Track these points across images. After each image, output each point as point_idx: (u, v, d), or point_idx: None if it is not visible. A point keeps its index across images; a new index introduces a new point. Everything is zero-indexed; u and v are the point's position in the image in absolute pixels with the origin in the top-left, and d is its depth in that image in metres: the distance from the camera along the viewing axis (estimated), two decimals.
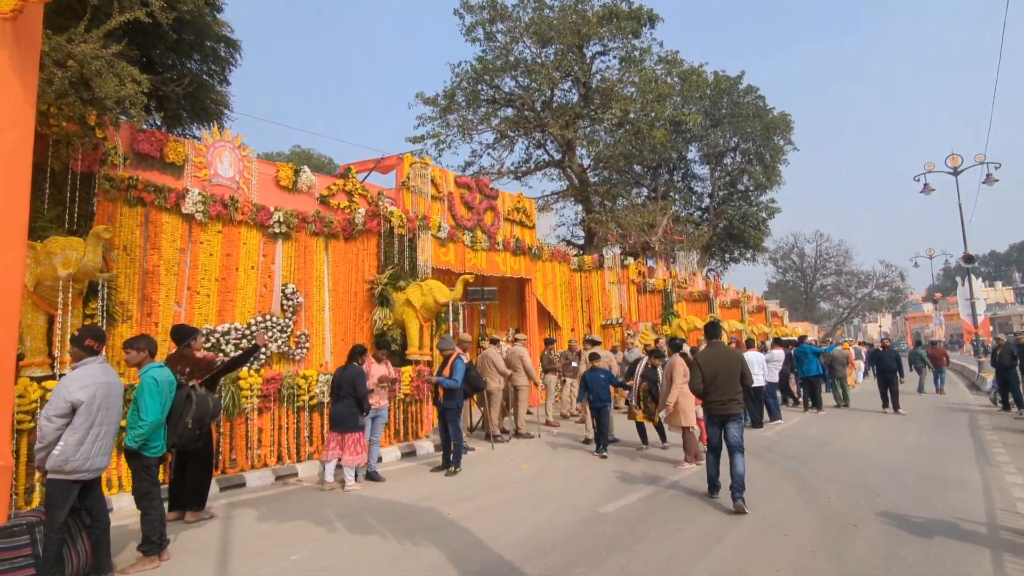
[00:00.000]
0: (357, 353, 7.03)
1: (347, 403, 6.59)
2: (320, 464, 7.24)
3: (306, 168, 9.97)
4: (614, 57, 21.92)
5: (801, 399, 14.35)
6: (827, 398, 15.03)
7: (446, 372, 7.66)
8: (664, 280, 19.50)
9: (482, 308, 20.09)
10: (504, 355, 10.13)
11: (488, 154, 23.64)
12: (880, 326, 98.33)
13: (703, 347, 6.82)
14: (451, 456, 7.71)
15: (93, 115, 6.57)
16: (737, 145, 36.68)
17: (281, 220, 9.15)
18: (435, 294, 9.43)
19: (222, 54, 12.22)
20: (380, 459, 8.09)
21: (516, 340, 10.31)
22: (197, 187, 8.45)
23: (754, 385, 11.87)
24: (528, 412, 14.15)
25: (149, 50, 9.78)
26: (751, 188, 36.07)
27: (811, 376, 13.54)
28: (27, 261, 5.07)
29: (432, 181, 14.77)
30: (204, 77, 12.23)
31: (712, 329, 6.69)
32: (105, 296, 6.98)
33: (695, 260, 20.57)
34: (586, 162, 24.36)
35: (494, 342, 10.30)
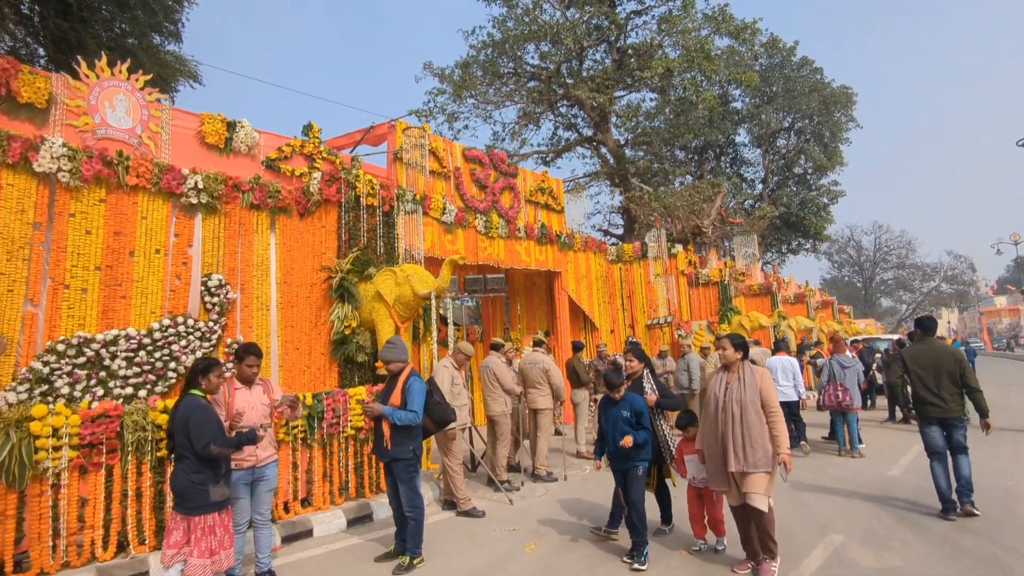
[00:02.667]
0: (198, 372, 4.09)
1: (186, 465, 3.88)
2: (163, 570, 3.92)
3: (246, 122, 7.48)
4: (652, 17, 19.05)
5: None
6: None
7: (395, 398, 4.78)
8: (720, 271, 16.44)
9: (506, 306, 17.48)
10: (520, 365, 7.43)
11: (511, 135, 20.98)
12: (948, 322, 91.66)
13: (912, 343, 6.58)
14: (407, 537, 4.88)
15: None
16: (792, 124, 33.15)
17: (199, 186, 6.65)
18: (413, 283, 6.78)
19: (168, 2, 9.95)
20: (311, 533, 5.47)
21: (535, 345, 7.56)
22: (72, 139, 6.03)
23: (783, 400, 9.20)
24: (557, 433, 11.34)
25: None
26: (810, 170, 32.47)
27: None
28: None
29: (433, 153, 12.18)
30: (155, 37, 10.01)
31: (927, 323, 6.23)
32: None
33: (755, 246, 17.48)
34: (622, 140, 21.39)
35: (495, 348, 7.60)
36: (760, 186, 33.59)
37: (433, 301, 7.58)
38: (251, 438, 4.05)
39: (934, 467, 5.76)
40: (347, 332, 6.88)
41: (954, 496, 5.64)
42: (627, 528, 4.94)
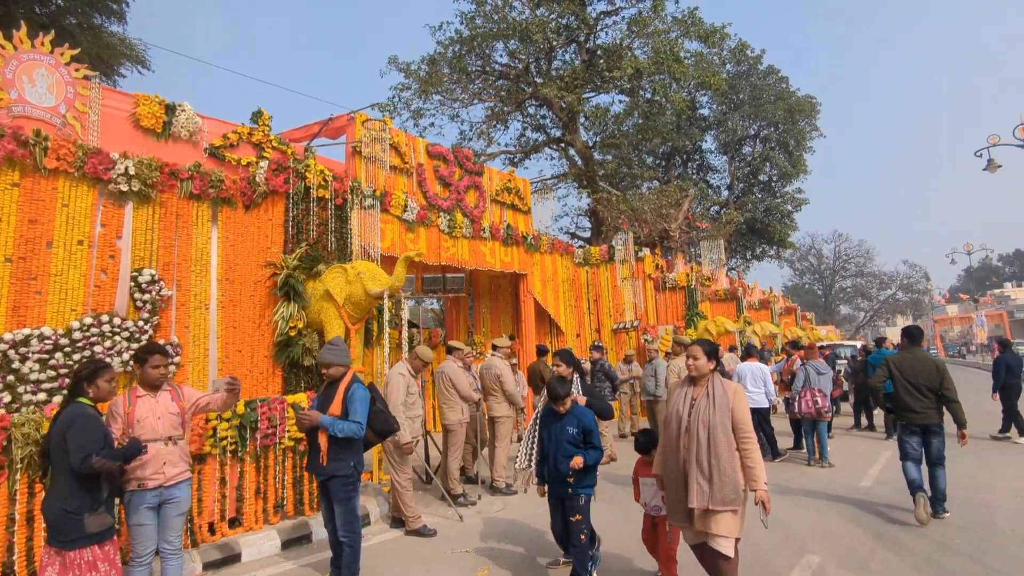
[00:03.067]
0: (83, 378, 3.51)
1: (59, 489, 3.25)
2: None
3: (187, 105, 6.91)
4: (622, 18, 18.88)
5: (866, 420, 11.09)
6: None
7: (335, 407, 4.21)
8: (687, 275, 16.31)
9: (470, 309, 17.04)
10: (479, 370, 7.01)
11: (478, 134, 20.52)
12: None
13: (898, 352, 6.61)
14: (342, 566, 4.30)
15: None
16: (758, 132, 33.57)
17: (131, 172, 6.07)
18: (365, 281, 6.30)
19: None
20: (239, 557, 4.95)
21: (494, 350, 7.12)
22: None
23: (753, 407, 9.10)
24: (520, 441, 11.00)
25: None
26: (775, 178, 32.87)
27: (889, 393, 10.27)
28: None
29: (395, 148, 11.71)
30: (97, 17, 9.31)
31: (914, 332, 6.44)
32: None
33: (721, 251, 17.41)
34: (591, 142, 21.14)
35: (451, 351, 7.16)
36: (726, 192, 33.89)
37: (386, 301, 7.10)
38: (132, 450, 3.48)
39: (907, 465, 5.92)
40: (293, 334, 6.36)
41: (927, 498, 5.79)
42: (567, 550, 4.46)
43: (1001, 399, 10.13)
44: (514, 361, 9.71)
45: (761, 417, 8.80)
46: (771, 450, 8.91)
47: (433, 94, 18.54)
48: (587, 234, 22.22)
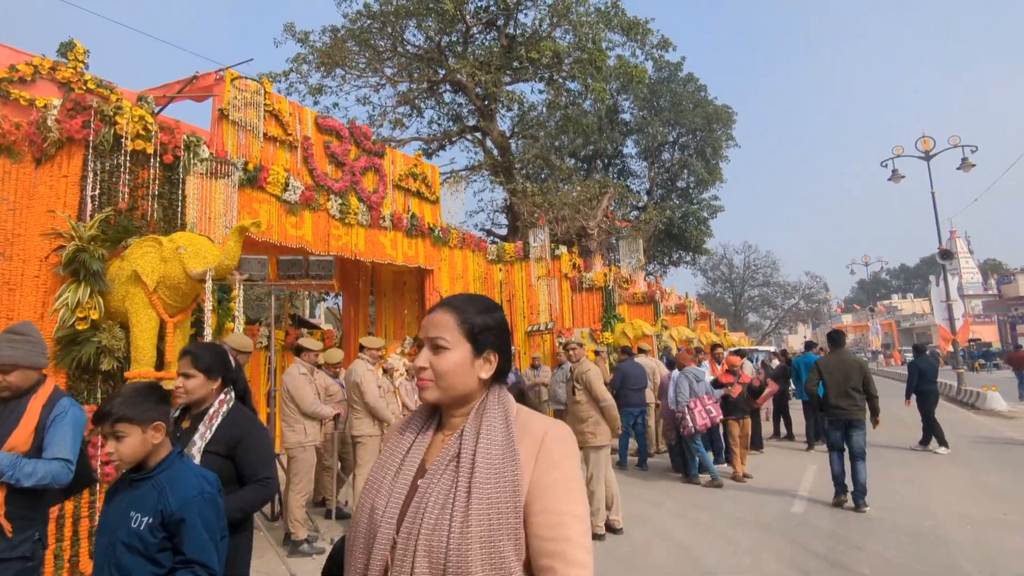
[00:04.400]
0: None
1: None
2: None
3: None
4: (544, 3, 17.87)
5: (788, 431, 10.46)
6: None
7: (18, 437, 2.49)
8: (604, 275, 15.46)
9: (371, 307, 15.47)
10: (340, 379, 5.58)
11: (391, 121, 18.88)
12: (805, 336, 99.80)
13: (826, 353, 7.19)
14: None
15: None
16: (676, 139, 33.76)
17: None
18: (185, 259, 4.75)
19: None
20: None
21: (361, 351, 5.68)
22: None
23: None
24: None
25: None
26: (692, 185, 33.10)
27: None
28: None
29: (275, 116, 10.10)
30: None
31: (837, 336, 7.22)
32: None
33: (640, 252, 16.75)
34: (508, 132, 20.01)
35: (298, 352, 5.74)
36: (646, 198, 33.83)
37: (241, 289, 5.56)
38: None
39: (832, 457, 6.59)
40: (82, 327, 4.73)
41: (849, 494, 6.36)
42: None
43: (919, 407, 9.73)
44: (401, 365, 8.32)
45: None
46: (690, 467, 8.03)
47: (337, 69, 16.78)
48: (504, 231, 21.09)
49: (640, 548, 4.95)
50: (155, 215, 5.57)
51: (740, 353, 8.60)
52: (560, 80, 17.76)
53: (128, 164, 5.29)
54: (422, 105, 19.43)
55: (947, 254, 18.91)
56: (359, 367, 5.54)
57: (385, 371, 11.83)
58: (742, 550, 4.84)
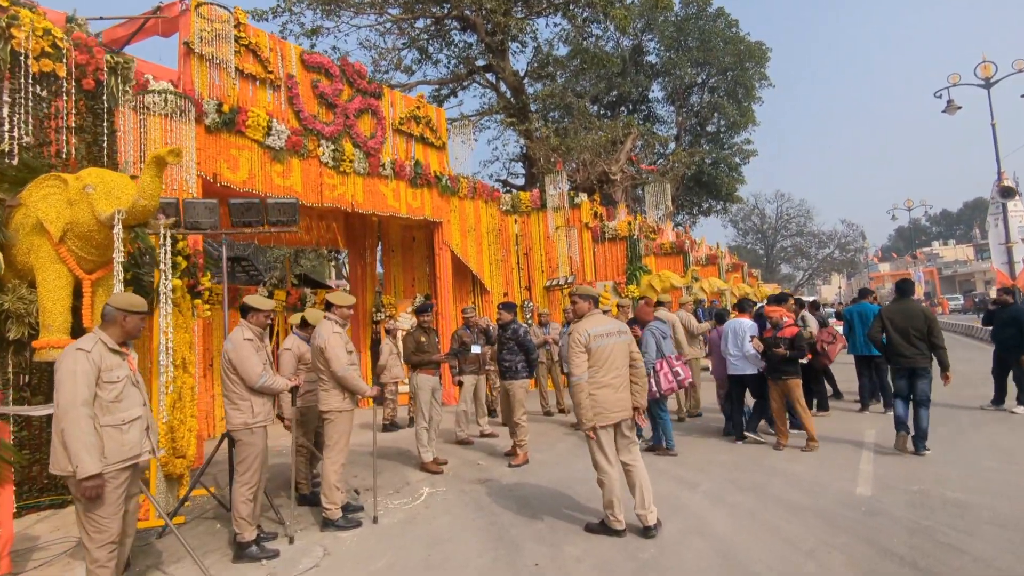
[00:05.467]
0: None
1: None
2: None
3: None
4: None
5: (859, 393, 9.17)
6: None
7: None
8: (628, 223, 14.25)
9: (378, 263, 14.58)
10: (322, 342, 4.63)
11: (393, 63, 17.51)
12: (840, 288, 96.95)
13: (890, 302, 6.94)
14: None
15: None
16: (706, 81, 31.64)
17: None
18: (95, 200, 3.82)
19: None
20: None
21: (327, 309, 4.74)
22: None
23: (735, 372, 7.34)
24: (389, 428, 8.39)
25: None
26: (723, 129, 31.14)
27: (874, 356, 8.46)
28: None
29: (253, 52, 9.06)
30: None
31: (905, 285, 6.90)
32: None
33: (668, 198, 15.42)
34: (522, 72, 18.41)
35: (328, 307, 4.78)
36: (673, 145, 32.05)
37: (165, 235, 4.59)
38: None
39: (897, 402, 6.54)
40: None
41: (908, 436, 6.35)
42: None
43: (999, 360, 8.36)
44: (410, 326, 7.38)
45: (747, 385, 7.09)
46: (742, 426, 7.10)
47: (334, 6, 15.40)
48: (521, 182, 19.85)
49: (670, 547, 3.99)
50: (76, 154, 4.63)
51: (782, 300, 7.39)
52: (577, 12, 16.13)
53: (33, 89, 4.32)
54: (429, 48, 18.03)
55: (1008, 191, 17.16)
56: (324, 329, 4.60)
57: (388, 332, 10.98)
58: (802, 552, 3.77)
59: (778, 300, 7.47)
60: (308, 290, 12.31)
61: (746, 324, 7.16)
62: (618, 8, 14.68)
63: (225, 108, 8.16)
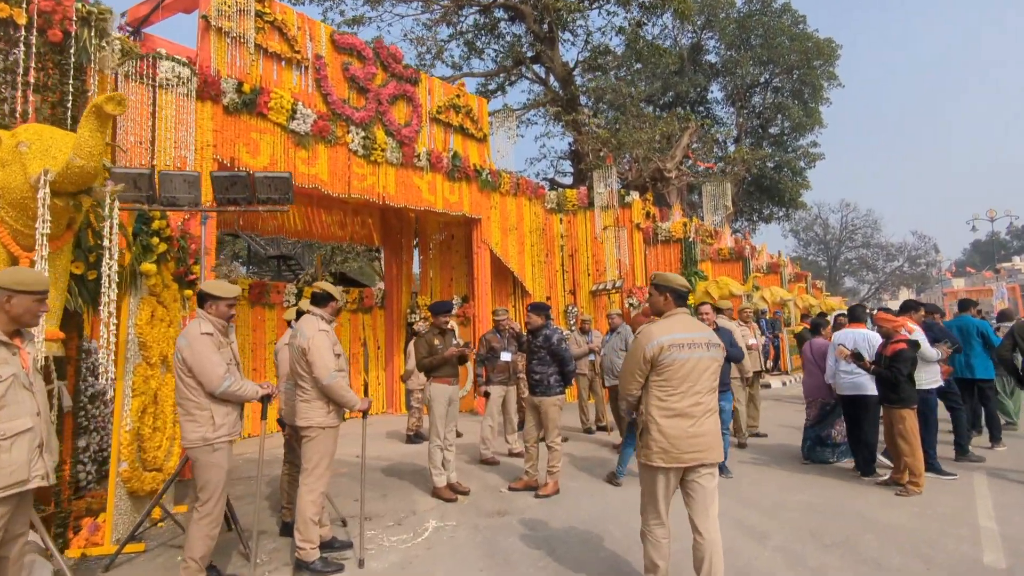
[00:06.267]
0: None
1: None
2: None
3: None
4: None
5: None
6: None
7: None
8: (684, 225, 13.11)
9: (415, 262, 13.89)
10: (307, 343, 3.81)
11: (434, 53, 16.82)
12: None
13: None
14: None
15: None
16: (769, 80, 29.92)
17: None
18: (28, 160, 3.13)
19: None
20: None
21: (314, 303, 3.94)
22: None
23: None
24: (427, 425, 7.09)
25: None
26: (787, 131, 29.36)
27: (977, 380, 7.12)
28: None
29: (278, 28, 8.47)
30: None
31: None
32: None
33: (728, 199, 14.12)
34: (573, 62, 17.35)
35: (316, 301, 3.96)
36: (732, 148, 30.48)
37: (112, 205, 3.87)
38: None
39: None
40: None
41: None
42: None
43: None
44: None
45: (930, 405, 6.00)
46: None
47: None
48: (569, 180, 18.86)
49: None
50: (38, 114, 4.01)
51: (911, 309, 6.24)
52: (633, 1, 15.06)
53: None
54: (477, 42, 17.30)
55: None
56: (307, 326, 3.78)
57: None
58: None
59: (907, 308, 6.45)
60: (341, 288, 11.71)
61: (873, 336, 6.01)
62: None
63: (246, 88, 7.58)
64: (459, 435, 6.80)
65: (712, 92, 31.34)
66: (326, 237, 12.35)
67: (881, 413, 5.88)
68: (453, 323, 9.54)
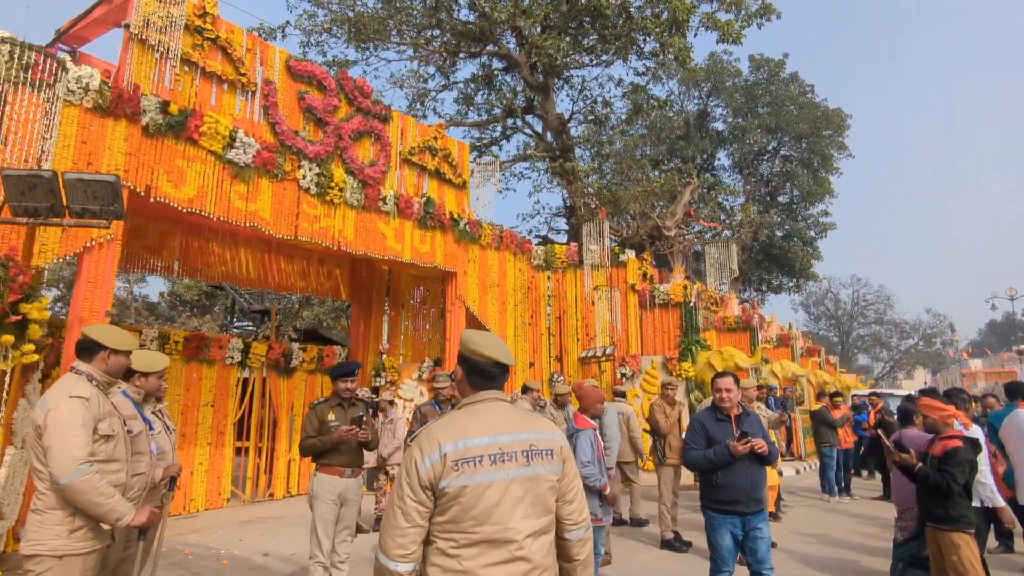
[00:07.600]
0: None
1: None
2: None
3: None
4: None
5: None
6: None
7: None
8: (685, 288, 11.87)
9: (385, 320, 12.62)
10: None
11: (421, 102, 16.14)
12: (926, 382, 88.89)
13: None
14: None
15: None
16: (777, 148, 29.38)
17: None
18: None
19: None
20: None
21: (82, 359, 2.71)
22: None
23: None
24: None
25: None
26: (796, 199, 28.54)
27: None
28: None
29: (219, 46, 7.55)
30: None
31: None
32: None
33: (734, 262, 12.93)
34: (568, 112, 16.58)
35: (80, 351, 2.62)
36: (740, 216, 29.65)
37: None
38: None
39: None
40: None
41: None
42: None
43: None
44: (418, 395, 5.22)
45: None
46: None
47: (363, 44, 14.26)
48: (563, 238, 17.82)
49: None
50: None
51: (952, 396, 4.84)
52: (633, 55, 14.41)
53: None
54: (471, 92, 16.67)
55: None
56: (54, 392, 2.45)
57: (391, 403, 8.87)
58: None
59: (946, 395, 4.96)
60: (297, 345, 10.44)
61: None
62: (678, 38, 12.76)
63: (173, 108, 6.60)
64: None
65: (719, 159, 30.84)
66: (283, 288, 11.18)
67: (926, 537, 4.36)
68: (364, 391, 8.21)
